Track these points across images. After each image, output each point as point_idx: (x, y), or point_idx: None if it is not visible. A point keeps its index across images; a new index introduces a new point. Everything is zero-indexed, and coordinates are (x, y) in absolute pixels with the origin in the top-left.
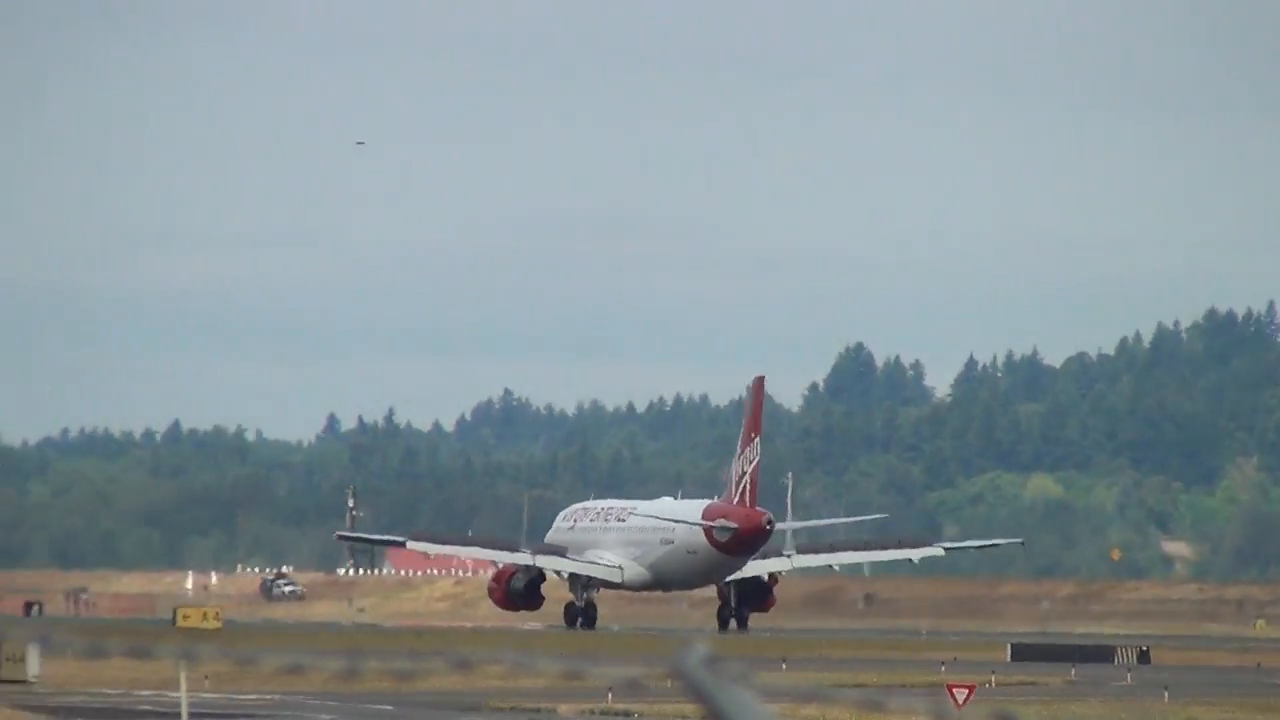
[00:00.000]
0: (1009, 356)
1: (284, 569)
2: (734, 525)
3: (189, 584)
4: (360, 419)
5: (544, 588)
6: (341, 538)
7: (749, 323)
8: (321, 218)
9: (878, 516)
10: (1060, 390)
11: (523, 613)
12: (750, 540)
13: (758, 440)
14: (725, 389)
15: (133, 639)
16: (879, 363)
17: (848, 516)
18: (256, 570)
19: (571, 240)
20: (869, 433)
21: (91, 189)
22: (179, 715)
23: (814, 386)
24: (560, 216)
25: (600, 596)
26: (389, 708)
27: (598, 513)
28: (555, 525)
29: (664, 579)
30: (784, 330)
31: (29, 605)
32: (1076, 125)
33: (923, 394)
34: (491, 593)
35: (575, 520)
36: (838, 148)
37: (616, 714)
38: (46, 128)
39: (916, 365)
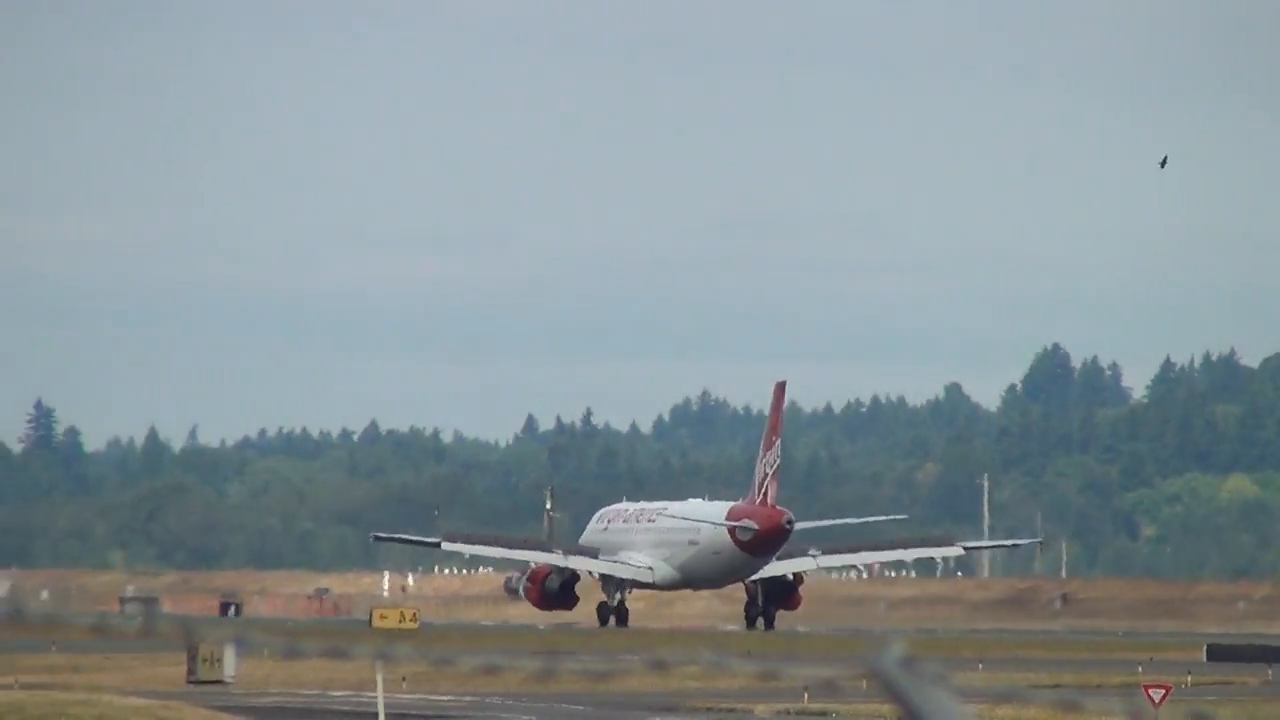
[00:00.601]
0: (1206, 357)
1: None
2: (755, 525)
3: (385, 585)
4: (558, 419)
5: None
6: (377, 538)
7: (946, 323)
8: (520, 218)
9: (898, 517)
10: (1258, 390)
11: (558, 612)
12: (771, 540)
13: (778, 443)
14: (922, 390)
15: (329, 640)
16: (1075, 364)
17: (1044, 518)
18: (452, 571)
19: (768, 240)
20: (1065, 434)
21: (287, 190)
22: (375, 716)
23: (1011, 388)
24: (756, 216)
25: (632, 596)
26: (585, 708)
27: (629, 515)
28: (589, 527)
29: (692, 578)
30: (981, 331)
31: (225, 605)
32: (1273, 120)
33: (1119, 395)
34: (527, 592)
35: (608, 522)
36: (1033, 145)
37: (813, 714)
38: (246, 131)
39: (1114, 366)
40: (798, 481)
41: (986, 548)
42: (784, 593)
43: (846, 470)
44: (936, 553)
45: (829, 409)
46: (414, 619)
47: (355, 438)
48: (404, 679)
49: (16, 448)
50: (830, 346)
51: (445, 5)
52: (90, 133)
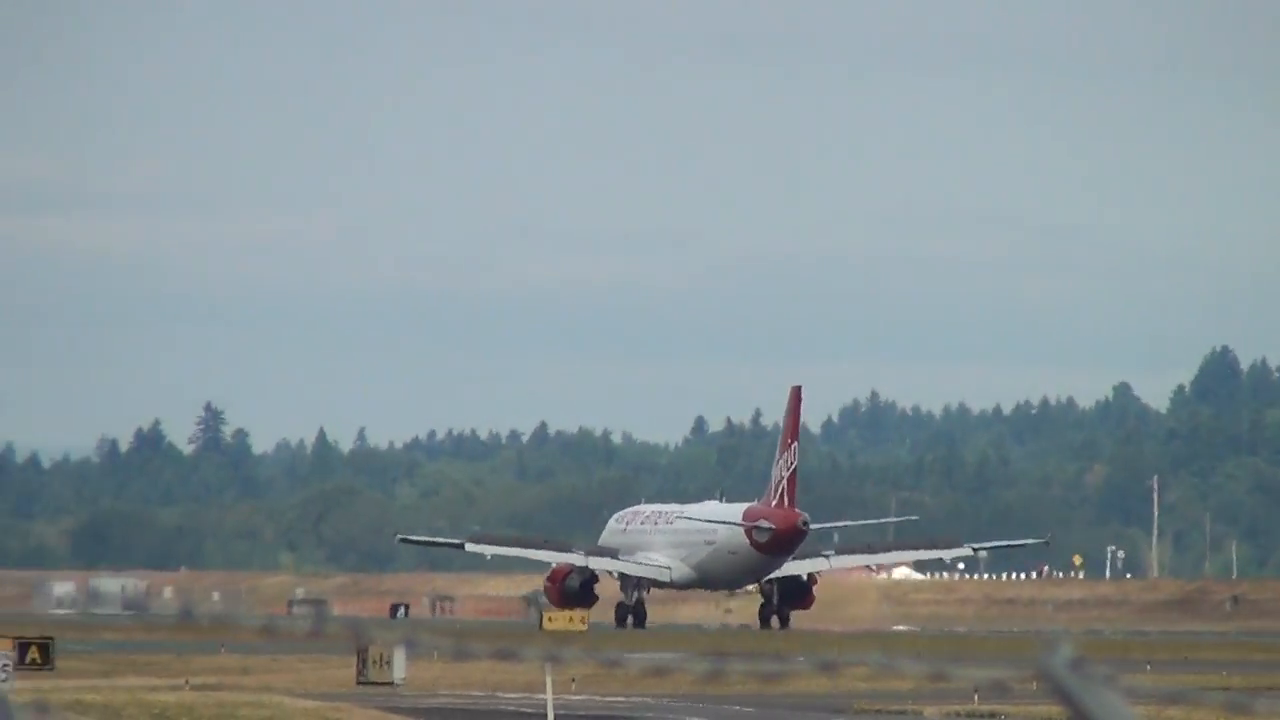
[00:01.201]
0: None
1: None
2: (771, 526)
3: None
4: (728, 420)
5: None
6: (404, 540)
7: (1115, 325)
8: (692, 220)
9: (910, 518)
10: None
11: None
12: (787, 540)
13: (795, 445)
14: (1091, 391)
15: (499, 642)
16: (1244, 365)
17: (1214, 519)
18: None
19: (936, 241)
20: (1235, 435)
21: (458, 191)
22: (544, 717)
23: (1180, 389)
24: (926, 216)
25: (650, 595)
26: (754, 710)
27: (647, 516)
28: (608, 528)
29: (709, 578)
30: (1150, 333)
31: (394, 607)
32: None
33: None
34: (547, 591)
35: (626, 523)
36: (1201, 148)
37: (982, 716)
38: (417, 132)
39: None
40: (967, 483)
41: (996, 548)
42: (798, 592)
43: (1015, 472)
44: (945, 554)
45: (998, 410)
46: (583, 621)
47: (524, 439)
48: (573, 680)
49: (187, 449)
50: (1000, 347)
51: (620, 7)
52: (260, 134)
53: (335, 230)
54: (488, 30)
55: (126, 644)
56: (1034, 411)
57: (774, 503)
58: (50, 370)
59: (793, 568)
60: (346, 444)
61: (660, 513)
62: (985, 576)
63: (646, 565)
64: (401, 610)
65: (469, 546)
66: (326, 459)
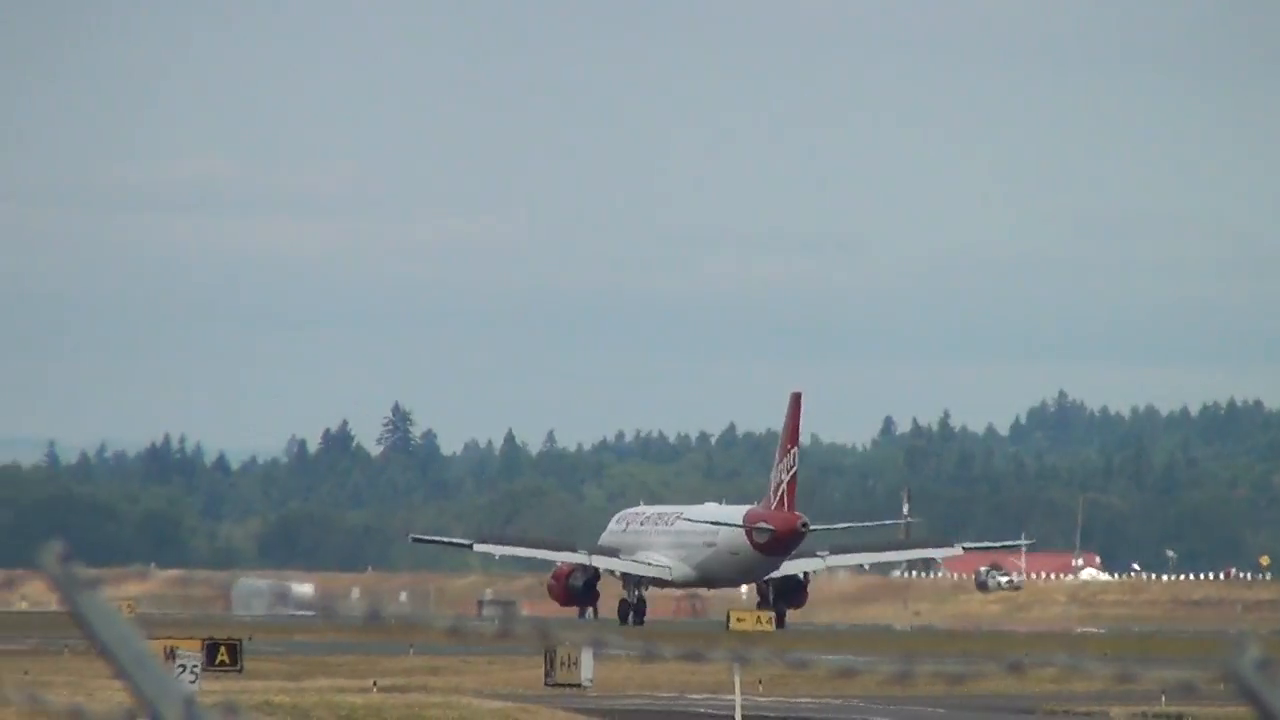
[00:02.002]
0: None
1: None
2: (771, 528)
3: (743, 587)
4: (915, 421)
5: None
6: (416, 540)
7: None
8: (879, 221)
9: (905, 520)
10: None
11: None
12: (787, 541)
13: (794, 450)
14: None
15: (686, 642)
16: None
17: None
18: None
19: (1128, 243)
20: None
21: (647, 193)
22: (732, 718)
23: None
24: (1116, 218)
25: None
26: (942, 711)
27: (648, 517)
28: (609, 528)
29: (709, 577)
30: None
31: (582, 609)
32: None
33: None
34: (551, 590)
35: (628, 524)
36: None
37: (1169, 717)
38: (605, 134)
39: None
40: (1155, 484)
41: (983, 549)
42: (794, 591)
43: (1203, 473)
44: (937, 553)
45: (1185, 412)
46: (770, 621)
47: (713, 441)
48: (760, 682)
49: (375, 451)
50: (1187, 349)
51: (803, 9)
52: (447, 135)
53: (525, 232)
54: (677, 34)
55: (315, 645)
56: (1222, 413)
57: (774, 505)
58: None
59: (789, 567)
60: (535, 445)
61: (661, 514)
62: (1173, 578)
63: (648, 565)
64: (590, 611)
65: (478, 546)
66: (515, 460)
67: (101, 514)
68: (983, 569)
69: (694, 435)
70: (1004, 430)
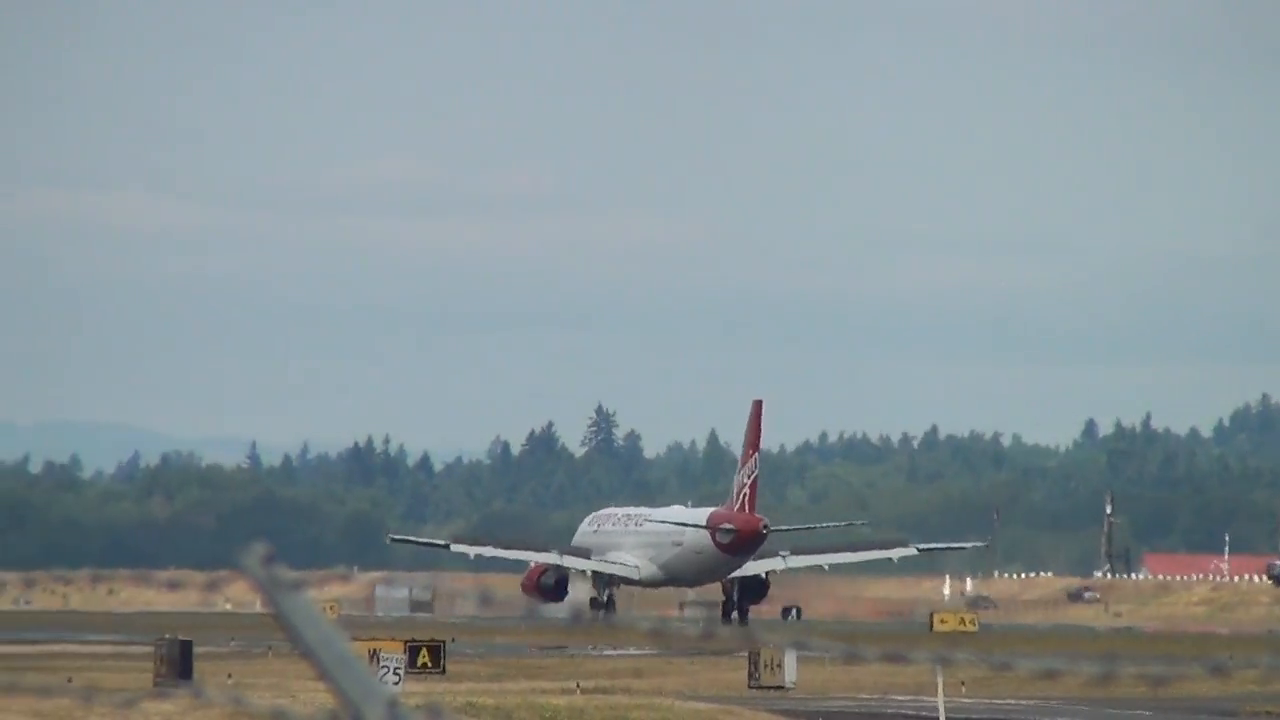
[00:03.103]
0: None
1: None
2: (734, 529)
3: (946, 589)
4: (1118, 423)
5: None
6: (394, 540)
7: None
8: (1080, 223)
9: (858, 522)
10: None
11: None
12: (749, 542)
13: (755, 456)
14: None
15: (888, 644)
16: None
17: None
18: (1012, 575)
19: None
20: None
21: (839, 196)
22: None
23: None
24: None
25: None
26: (1145, 714)
27: (618, 518)
28: (580, 529)
29: (675, 576)
30: None
31: (785, 610)
32: None
33: None
34: (525, 587)
35: (599, 525)
36: None
37: None
38: (800, 136)
39: None
40: None
41: (938, 549)
42: (756, 589)
43: None
44: (893, 553)
45: None
46: (973, 623)
47: (915, 443)
48: (963, 683)
49: (579, 451)
50: None
51: (999, 9)
52: (642, 138)
53: (722, 233)
54: (870, 35)
55: (518, 647)
56: None
57: (736, 507)
58: (444, 373)
59: (751, 567)
60: (738, 446)
61: (629, 515)
62: None
63: (617, 564)
64: (793, 613)
65: (454, 547)
66: (719, 461)
67: (304, 515)
68: (1275, 561)
69: (896, 437)
70: (1207, 432)
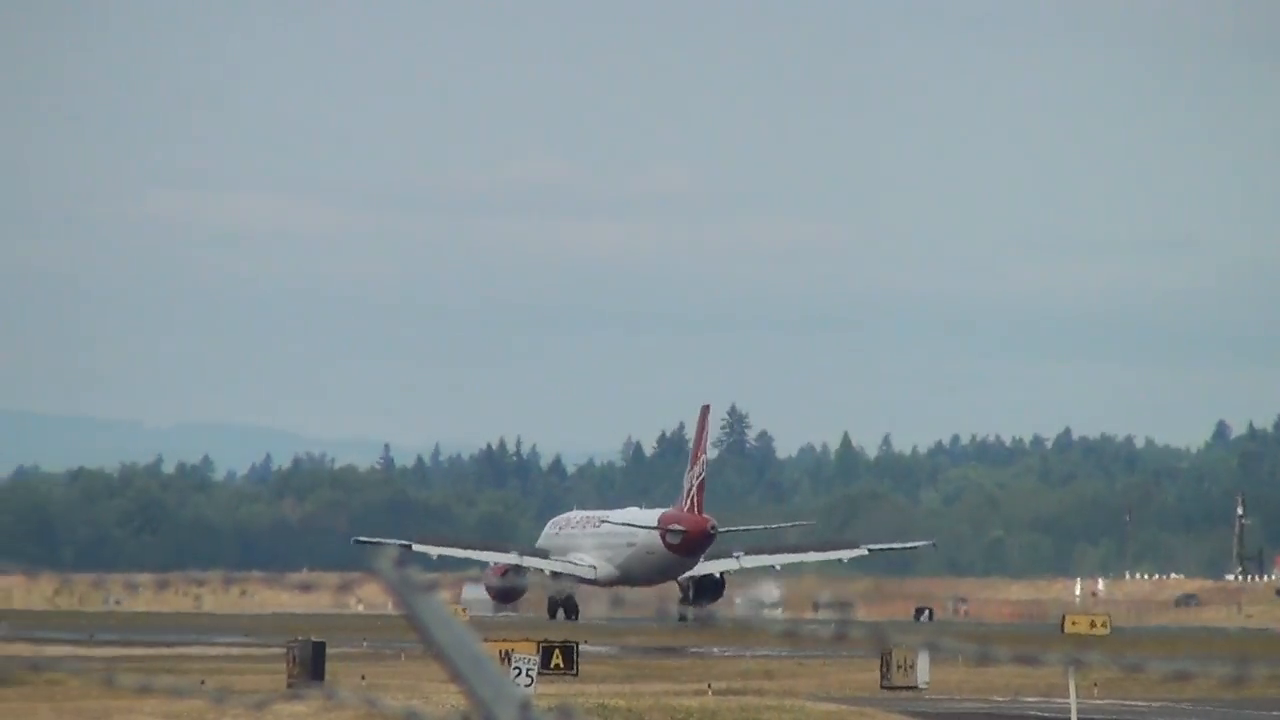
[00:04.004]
0: None
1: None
2: (683, 529)
3: (1077, 591)
4: (1250, 425)
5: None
6: (358, 542)
7: None
8: (1206, 223)
9: (806, 523)
10: None
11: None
12: (697, 542)
13: (704, 459)
14: None
15: (1020, 645)
16: None
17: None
18: (1145, 576)
19: None
20: None
21: (974, 197)
22: None
23: None
24: None
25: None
26: (1278, 714)
27: (578, 521)
28: (544, 532)
29: (630, 576)
30: None
31: (918, 611)
32: None
33: None
34: (486, 588)
35: (560, 527)
36: None
37: None
38: (938, 141)
39: None
40: None
41: (887, 549)
42: (712, 589)
43: None
44: (844, 554)
45: None
46: (1105, 624)
47: (1048, 445)
48: (1095, 685)
49: (710, 453)
50: None
51: (1128, 11)
52: (782, 139)
53: (858, 236)
54: (1005, 37)
55: (649, 648)
56: None
57: (686, 509)
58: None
59: (707, 567)
60: (871, 449)
61: (588, 518)
62: None
63: (575, 565)
64: (925, 614)
65: (416, 547)
66: (850, 463)
67: (437, 517)
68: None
69: (1028, 439)
70: None
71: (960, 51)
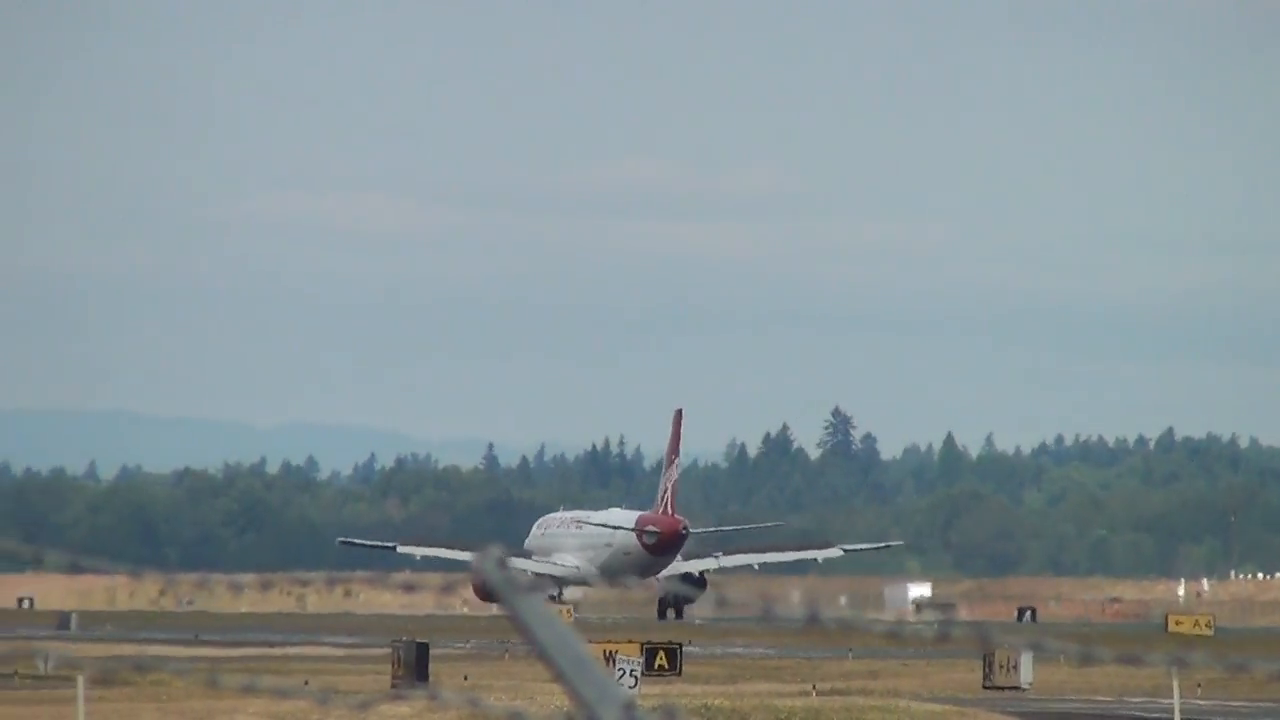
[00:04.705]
0: None
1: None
2: (657, 530)
3: (1180, 591)
4: None
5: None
6: (343, 542)
7: None
8: None
9: (774, 524)
10: None
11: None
12: (671, 543)
13: (677, 461)
14: None
15: (1123, 645)
16: None
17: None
18: (1249, 576)
19: None
20: None
21: (1072, 196)
22: None
23: None
24: None
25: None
26: None
27: (561, 521)
28: (531, 532)
29: (609, 576)
30: None
31: (1021, 611)
32: None
33: None
34: (474, 589)
35: (546, 528)
36: None
37: None
38: (1022, 142)
39: None
40: None
41: (860, 550)
42: (691, 587)
43: None
44: (819, 554)
45: None
46: (1209, 625)
47: (1151, 445)
48: (1199, 685)
49: (815, 453)
50: None
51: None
52: (875, 139)
53: (958, 235)
54: (1097, 36)
55: (754, 649)
56: None
57: (660, 511)
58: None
59: (686, 566)
60: (975, 449)
61: (571, 519)
62: None
63: (557, 565)
64: (1028, 614)
65: (400, 548)
66: (955, 464)
67: (541, 517)
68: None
69: (1132, 439)
70: None
71: (1061, 48)
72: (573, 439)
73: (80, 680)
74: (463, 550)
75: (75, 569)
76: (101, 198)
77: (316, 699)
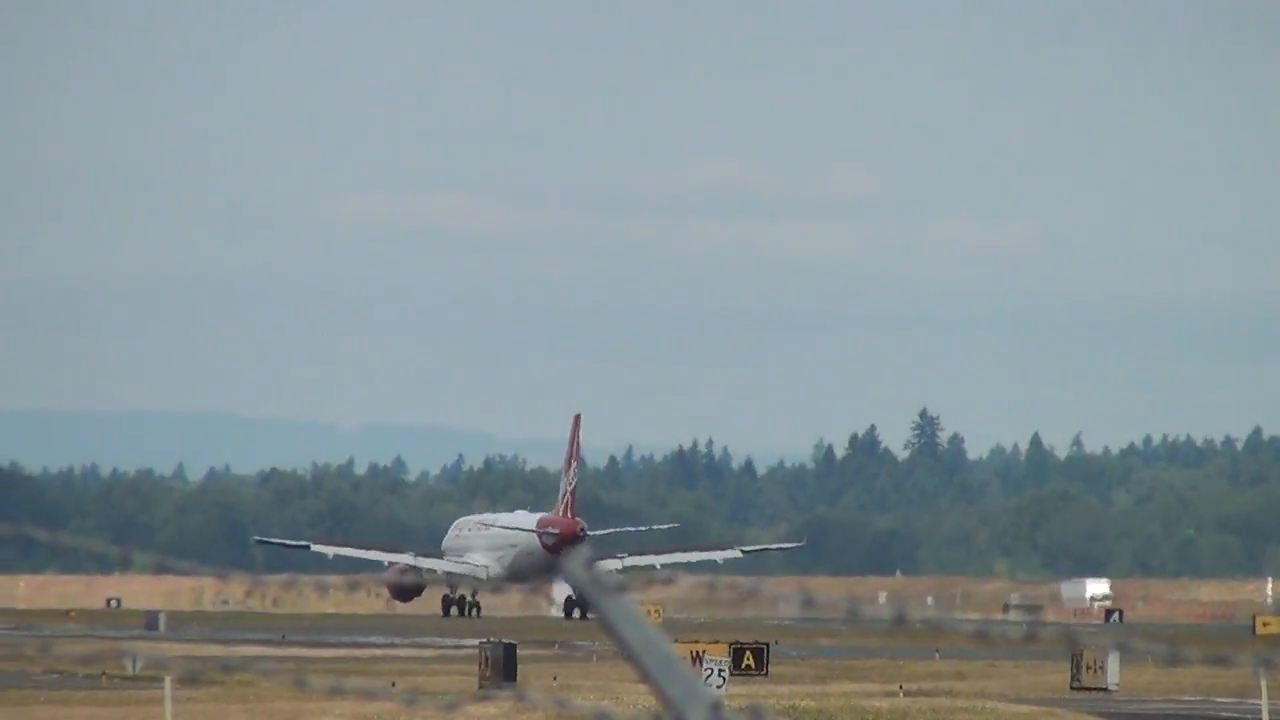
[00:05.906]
0: None
1: None
2: (556, 531)
3: (1269, 591)
4: None
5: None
6: (260, 541)
7: None
8: None
9: (672, 525)
10: None
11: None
12: (569, 543)
13: (576, 465)
14: None
15: (1210, 646)
16: None
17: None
18: None
19: None
20: None
21: (1158, 197)
22: None
23: None
24: None
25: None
26: None
27: (473, 524)
28: (449, 533)
29: (515, 576)
30: None
31: (1108, 613)
32: None
33: None
34: (387, 587)
35: (460, 530)
36: None
37: None
38: (1112, 145)
39: None
40: None
41: (758, 551)
42: None
43: None
44: (717, 555)
45: None
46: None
47: (1239, 445)
48: None
49: (902, 455)
50: None
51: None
52: (966, 139)
53: (1047, 237)
54: (1175, 44)
55: (841, 649)
56: None
57: (560, 512)
58: (765, 375)
59: None
60: (1062, 450)
61: (482, 520)
62: None
63: (467, 565)
64: (1116, 615)
65: (314, 547)
66: (1042, 464)
67: (628, 519)
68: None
69: (1219, 439)
70: None
71: (1159, 50)
72: (660, 440)
73: (168, 680)
74: (380, 551)
75: (162, 569)
76: (198, 202)
77: (403, 700)
